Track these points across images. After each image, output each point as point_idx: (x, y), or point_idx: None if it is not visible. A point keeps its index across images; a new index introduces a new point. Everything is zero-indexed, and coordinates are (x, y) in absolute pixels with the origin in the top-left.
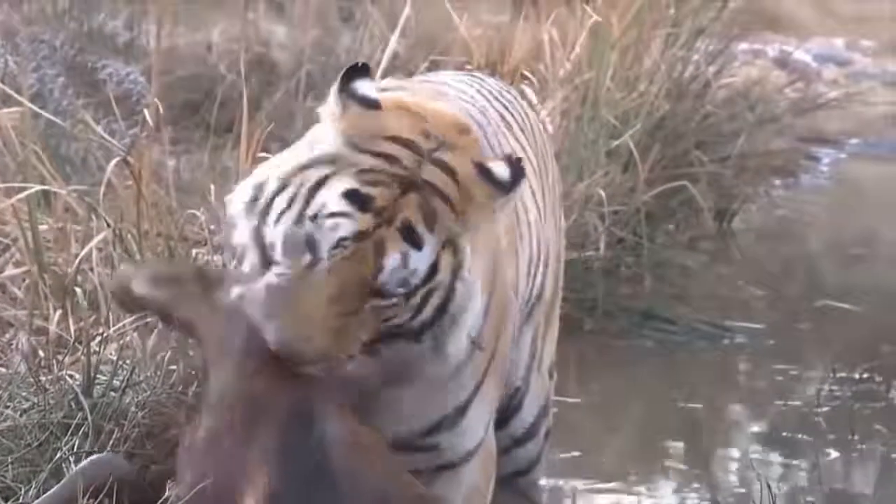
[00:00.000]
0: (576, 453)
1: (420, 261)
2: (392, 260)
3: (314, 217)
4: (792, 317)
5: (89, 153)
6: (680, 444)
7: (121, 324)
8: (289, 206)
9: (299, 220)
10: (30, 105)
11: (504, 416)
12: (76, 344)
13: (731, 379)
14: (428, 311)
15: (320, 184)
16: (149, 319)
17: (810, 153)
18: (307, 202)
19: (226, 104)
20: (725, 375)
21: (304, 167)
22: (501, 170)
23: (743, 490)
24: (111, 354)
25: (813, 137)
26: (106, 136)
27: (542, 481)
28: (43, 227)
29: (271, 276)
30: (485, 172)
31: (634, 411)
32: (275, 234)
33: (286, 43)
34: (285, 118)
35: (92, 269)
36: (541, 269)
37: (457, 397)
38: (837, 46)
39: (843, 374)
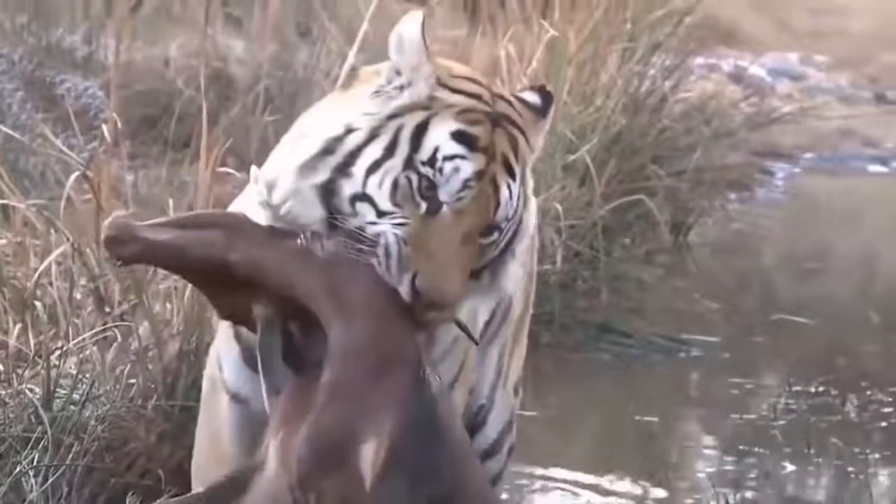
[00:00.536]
0: (533, 466)
1: (517, 192)
2: (504, 193)
3: (430, 162)
4: (747, 330)
5: (48, 167)
6: (636, 458)
7: (80, 338)
8: (389, 153)
9: (409, 165)
10: None
11: (469, 431)
12: (36, 358)
13: (686, 392)
14: (500, 246)
15: (423, 127)
16: (113, 326)
17: (765, 167)
18: (414, 147)
19: (183, 119)
20: (681, 388)
21: (395, 115)
22: (534, 97)
23: (698, 503)
24: (71, 368)
25: (768, 152)
26: (65, 150)
27: (504, 496)
28: (1, 242)
29: (391, 230)
30: (525, 102)
31: (591, 424)
32: (370, 184)
33: (244, 58)
34: (242, 133)
35: (51, 284)
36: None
37: None
38: (791, 61)
39: (799, 388)
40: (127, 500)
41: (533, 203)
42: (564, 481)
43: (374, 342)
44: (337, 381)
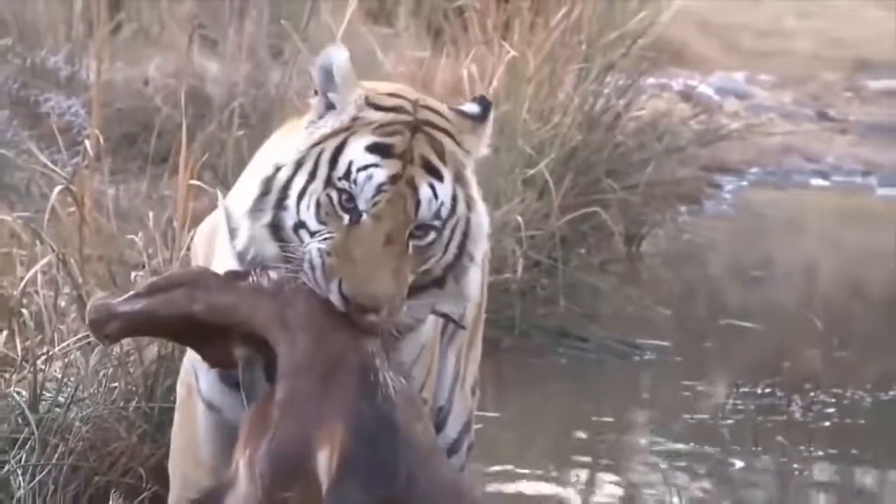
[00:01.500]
0: (494, 464)
1: (445, 191)
2: (425, 192)
3: (345, 175)
4: (697, 335)
5: (33, 181)
6: (592, 457)
7: (65, 343)
8: (311, 178)
9: (328, 184)
10: None
11: None
12: (23, 362)
13: (640, 394)
14: (452, 249)
15: (340, 148)
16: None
17: (713, 181)
18: (332, 166)
19: (162, 135)
20: (635, 390)
21: (316, 143)
22: (472, 107)
23: (651, 499)
24: (56, 372)
25: (716, 166)
26: (49, 164)
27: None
28: None
29: (316, 244)
30: (461, 111)
31: (549, 425)
32: (301, 210)
33: (219, 77)
34: (217, 148)
35: (37, 292)
36: None
37: None
38: (738, 80)
39: (746, 389)
40: (110, 498)
41: (481, 205)
42: (524, 476)
43: (315, 355)
44: (288, 397)
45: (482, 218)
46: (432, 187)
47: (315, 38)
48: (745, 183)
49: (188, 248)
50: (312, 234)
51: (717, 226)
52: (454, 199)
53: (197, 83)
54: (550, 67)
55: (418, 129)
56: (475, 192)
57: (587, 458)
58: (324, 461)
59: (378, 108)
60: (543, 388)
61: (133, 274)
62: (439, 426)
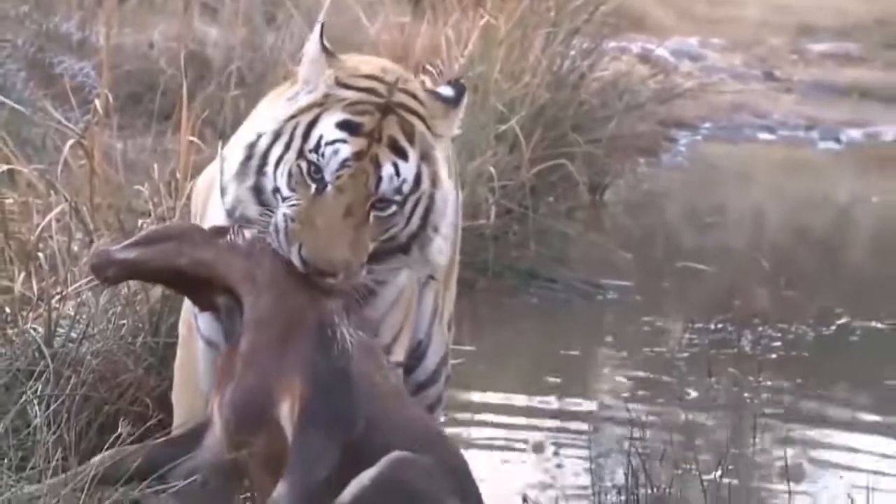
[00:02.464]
0: (471, 393)
1: (408, 170)
2: (387, 169)
3: (315, 149)
4: (656, 276)
5: (48, 137)
6: (560, 385)
7: (77, 284)
8: (286, 148)
9: (300, 155)
10: None
11: (410, 365)
12: (38, 301)
13: (604, 330)
14: (415, 221)
15: (314, 122)
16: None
17: (670, 135)
18: (305, 139)
19: (166, 95)
20: (599, 327)
21: (293, 116)
22: (447, 90)
23: (614, 423)
24: (69, 310)
25: (672, 122)
26: (63, 121)
27: (442, 419)
28: (8, 201)
29: (284, 210)
30: (436, 94)
31: (521, 358)
32: (277, 176)
33: (218, 41)
34: (216, 107)
35: (51, 237)
36: None
37: (384, 340)
38: (692, 44)
39: (701, 325)
40: (119, 424)
41: (447, 183)
42: (498, 404)
43: (276, 311)
44: (250, 349)
45: (447, 194)
46: (395, 166)
47: (306, 5)
48: (699, 137)
49: (188, 198)
50: (284, 199)
51: (674, 176)
52: (418, 176)
53: (197, 47)
54: (521, 32)
55: (390, 110)
56: (442, 171)
57: (556, 388)
58: (286, 411)
59: (348, 87)
60: (515, 325)
61: (140, 221)
62: (419, 358)
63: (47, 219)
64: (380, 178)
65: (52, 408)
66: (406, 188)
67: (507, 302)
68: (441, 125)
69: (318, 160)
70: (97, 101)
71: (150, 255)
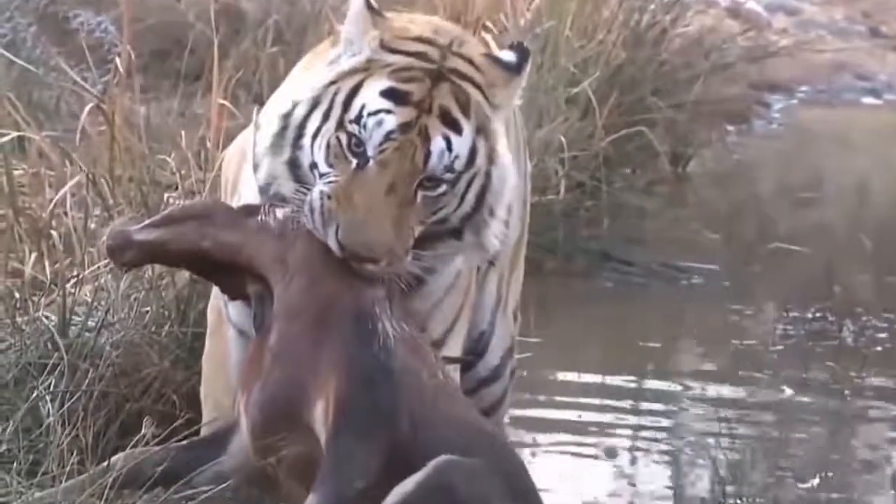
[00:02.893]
0: (536, 391)
1: (462, 145)
2: (437, 145)
3: (356, 119)
4: (745, 258)
5: (62, 100)
6: (637, 383)
7: (95, 266)
8: (325, 119)
9: (340, 126)
10: (3, 52)
11: (470, 358)
12: (52, 286)
13: (686, 319)
14: (469, 202)
15: (356, 89)
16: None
17: (762, 99)
18: (345, 109)
19: (195, 52)
20: (681, 315)
21: (334, 82)
22: (508, 55)
23: (700, 427)
24: (86, 296)
25: (764, 84)
26: (80, 81)
27: (506, 420)
28: (18, 173)
29: (320, 186)
30: (496, 59)
31: (593, 350)
32: (315, 150)
33: None
34: (251, 66)
35: (66, 214)
36: None
37: (435, 331)
38: None
39: (796, 314)
40: (142, 424)
41: (505, 159)
42: (567, 401)
43: (309, 300)
44: (279, 342)
45: (506, 172)
46: (447, 139)
47: None
48: (794, 101)
49: (219, 170)
50: (322, 175)
51: (766, 145)
52: (472, 151)
53: None
54: None
55: (443, 77)
56: (501, 146)
57: (632, 385)
58: (320, 412)
59: (395, 51)
60: (587, 312)
61: (165, 195)
62: (481, 352)
63: (61, 192)
64: (429, 153)
65: (66, 405)
66: (459, 165)
67: (578, 287)
68: (501, 94)
69: (359, 132)
70: (118, 60)
71: (171, 236)
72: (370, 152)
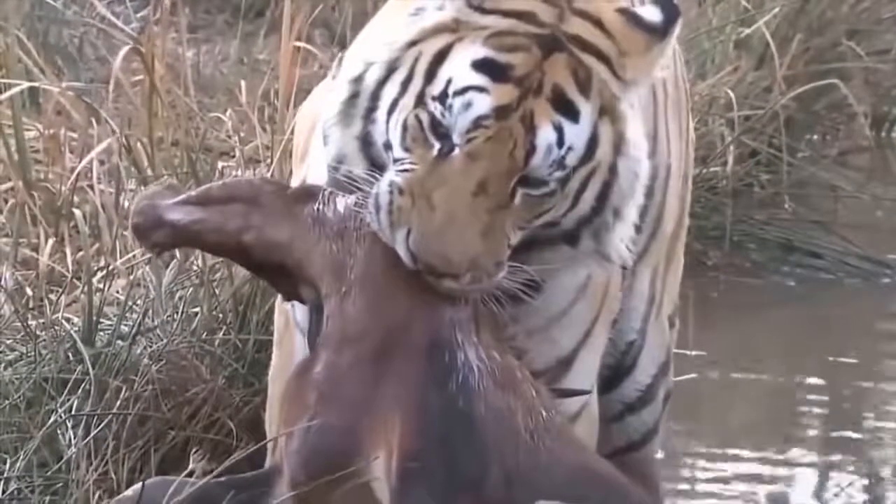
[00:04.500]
0: (697, 420)
1: (578, 135)
2: (545, 136)
3: (441, 97)
4: None
5: (87, 42)
6: (826, 409)
7: (130, 255)
8: (403, 89)
9: (420, 102)
10: None
11: (615, 376)
12: (74, 280)
13: (890, 327)
14: (587, 201)
15: (442, 56)
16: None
17: None
18: (428, 80)
19: None
20: (884, 322)
21: (415, 42)
22: (652, 13)
23: None
24: (118, 293)
25: None
26: (111, 18)
27: (659, 455)
28: (30, 134)
29: (392, 176)
30: (634, 18)
31: (770, 367)
32: (391, 127)
33: None
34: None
35: (92, 187)
36: (658, 190)
37: (561, 345)
38: None
39: None
40: (189, 458)
41: (636, 149)
42: (733, 435)
43: (370, 322)
44: (329, 375)
45: (637, 165)
46: (559, 130)
47: None
48: None
49: (293, 131)
50: (396, 161)
51: None
52: (592, 141)
53: None
54: None
55: (559, 46)
56: (631, 131)
57: (818, 410)
58: (381, 466)
59: (489, 11)
60: (762, 317)
61: (220, 164)
62: (628, 368)
63: (86, 160)
64: (533, 147)
65: (93, 433)
66: (573, 159)
67: (751, 285)
68: (637, 65)
69: (442, 113)
70: None
71: (208, 223)
72: (456, 139)
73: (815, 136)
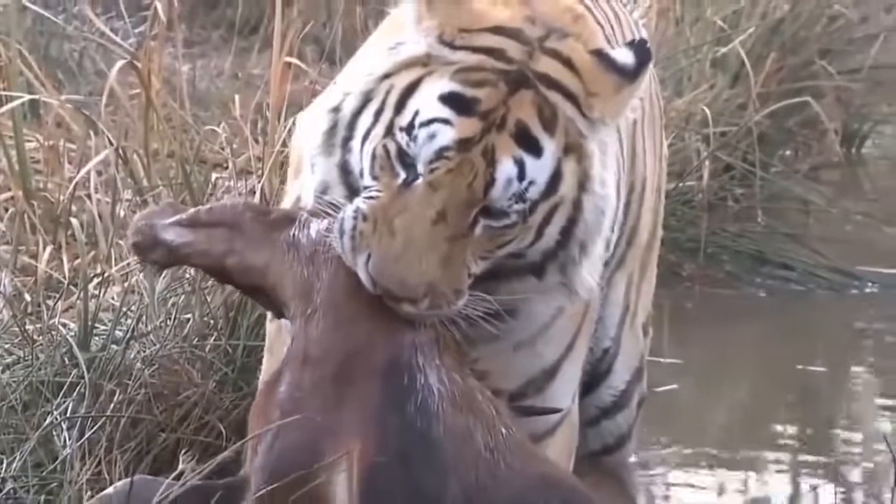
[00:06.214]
0: (672, 427)
1: (540, 170)
2: (505, 169)
3: (408, 127)
4: None
5: (86, 56)
6: (797, 417)
7: (125, 262)
8: (375, 120)
9: (388, 132)
10: None
11: (591, 382)
12: (71, 286)
13: (860, 337)
14: (552, 235)
15: (412, 89)
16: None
17: None
18: (397, 111)
19: None
20: (853, 333)
21: (388, 75)
22: (624, 55)
23: (872, 470)
24: (113, 299)
25: None
26: (109, 33)
27: (633, 459)
28: (30, 145)
29: (358, 202)
30: (606, 60)
31: (742, 376)
32: (364, 156)
33: None
34: (322, 16)
35: (90, 197)
36: (635, 203)
37: (545, 357)
38: None
39: None
40: (179, 459)
41: (603, 187)
42: (710, 447)
43: (330, 342)
44: (291, 395)
45: (603, 202)
46: (520, 164)
47: None
48: None
49: (284, 144)
50: (364, 189)
51: None
52: (554, 178)
53: None
54: None
55: (525, 83)
56: (597, 169)
57: (789, 419)
58: (342, 486)
59: (460, 48)
60: (735, 327)
61: (214, 176)
62: (603, 374)
63: (84, 170)
64: (493, 180)
65: (87, 435)
66: (534, 193)
67: (724, 295)
68: (605, 105)
69: (408, 143)
70: (158, 5)
71: (195, 244)
72: (420, 168)
73: (788, 152)
